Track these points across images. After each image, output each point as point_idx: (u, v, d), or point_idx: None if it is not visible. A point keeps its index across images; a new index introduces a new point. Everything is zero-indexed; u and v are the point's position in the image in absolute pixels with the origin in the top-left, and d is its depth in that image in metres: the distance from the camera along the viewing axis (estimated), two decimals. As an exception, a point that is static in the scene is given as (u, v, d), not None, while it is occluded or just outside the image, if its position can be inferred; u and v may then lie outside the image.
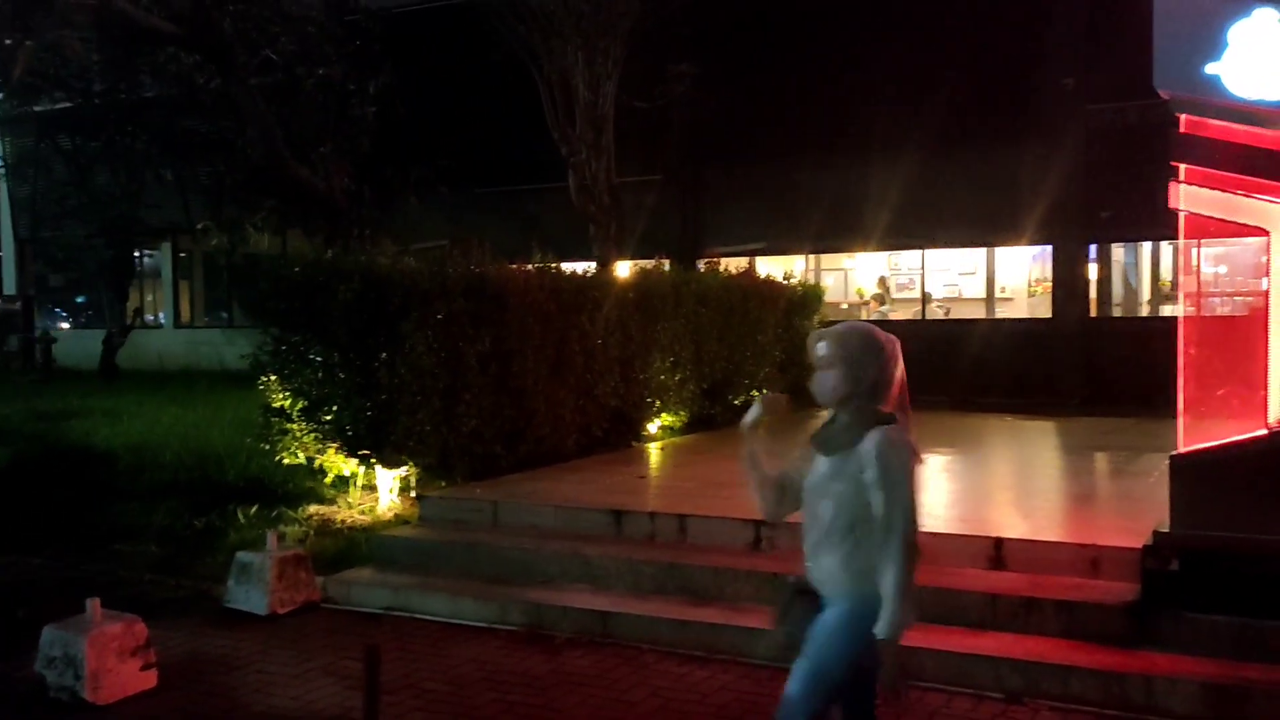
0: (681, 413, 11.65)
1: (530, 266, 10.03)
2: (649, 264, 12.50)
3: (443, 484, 8.69)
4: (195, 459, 10.03)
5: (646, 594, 6.60)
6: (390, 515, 8.40)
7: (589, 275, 11.21)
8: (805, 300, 14.29)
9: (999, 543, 6.28)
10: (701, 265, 13.87)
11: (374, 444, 8.40)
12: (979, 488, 8.63)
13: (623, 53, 13.92)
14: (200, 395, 15.30)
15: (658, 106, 14.75)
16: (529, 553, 7.21)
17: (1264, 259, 6.48)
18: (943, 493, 7.91)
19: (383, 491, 8.68)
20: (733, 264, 14.21)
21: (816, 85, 16.16)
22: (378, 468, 8.62)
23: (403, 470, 8.66)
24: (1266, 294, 5.52)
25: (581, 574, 6.92)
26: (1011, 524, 6.87)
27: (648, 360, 10.89)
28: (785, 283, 14.00)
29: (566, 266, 10.50)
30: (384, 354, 8.26)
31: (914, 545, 3.29)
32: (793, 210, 16.73)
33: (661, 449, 10.74)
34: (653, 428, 11.31)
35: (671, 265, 12.72)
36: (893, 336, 3.62)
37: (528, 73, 14.43)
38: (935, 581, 6.04)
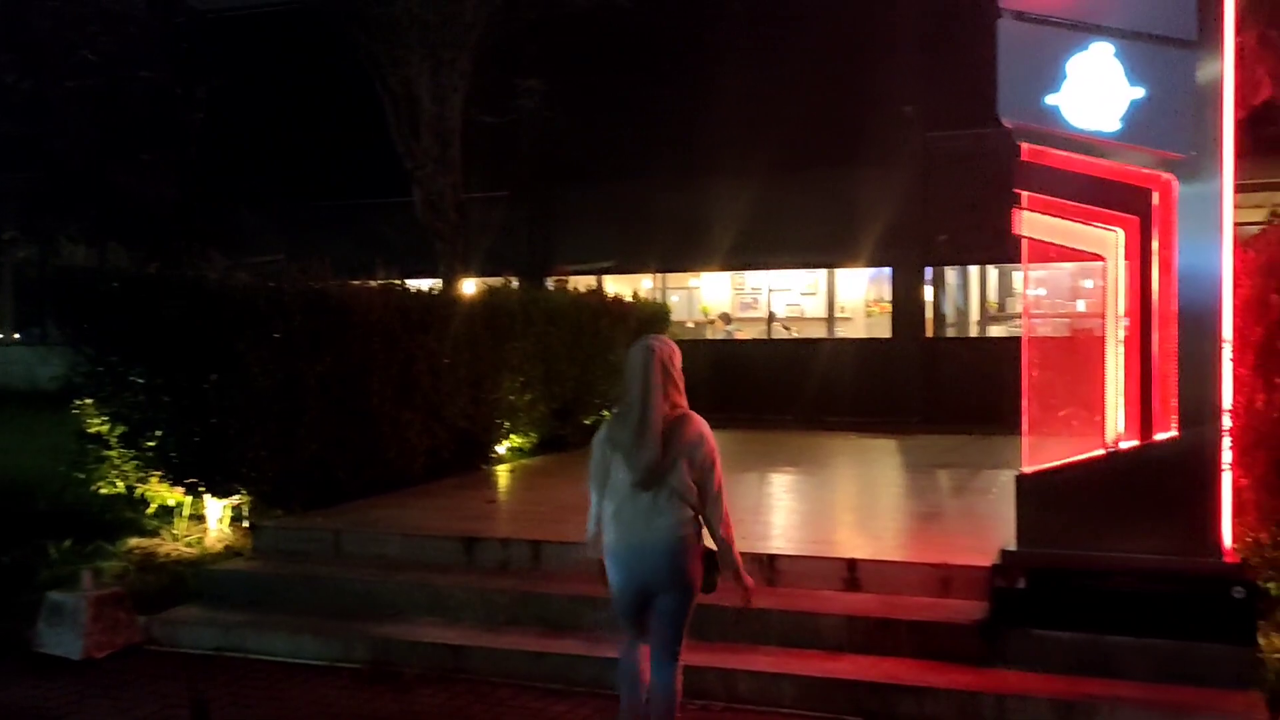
0: (532, 434, 11.43)
1: (374, 283, 9.67)
2: (497, 282, 12.26)
3: (279, 513, 8.23)
4: (1, 488, 9.25)
5: (500, 626, 6.37)
6: (221, 547, 7.90)
7: (435, 293, 10.90)
8: (654, 319, 14.27)
9: (853, 564, 6.31)
10: (550, 283, 13.70)
11: (203, 471, 7.91)
12: (829, 508, 8.71)
13: (470, 65, 13.67)
14: (9, 418, 14.22)
15: (507, 122, 14.55)
16: (374, 584, 6.88)
17: (1083, 284, 6.72)
18: (794, 514, 7.95)
19: (212, 522, 8.17)
20: (581, 282, 14.10)
21: (665, 106, 16.26)
22: (207, 497, 8.11)
23: (235, 499, 8.17)
24: (1104, 316, 5.70)
25: (431, 606, 6.63)
26: (864, 545, 6.92)
27: (497, 380, 10.64)
28: (634, 301, 13.96)
29: (412, 284, 10.16)
30: (214, 375, 7.79)
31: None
32: (641, 229, 16.77)
33: (512, 471, 10.49)
34: (502, 450, 11.06)
35: (520, 283, 12.51)
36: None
37: (371, 82, 14.01)
38: (792, 605, 6.06)
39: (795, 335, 17.52)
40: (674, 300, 17.93)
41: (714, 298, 18.84)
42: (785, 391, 15.54)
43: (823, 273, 17.66)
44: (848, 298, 18.17)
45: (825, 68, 15.49)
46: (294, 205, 16.55)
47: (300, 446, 8.30)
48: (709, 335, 18.02)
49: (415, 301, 9.83)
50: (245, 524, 8.12)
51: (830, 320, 17.82)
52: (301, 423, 8.30)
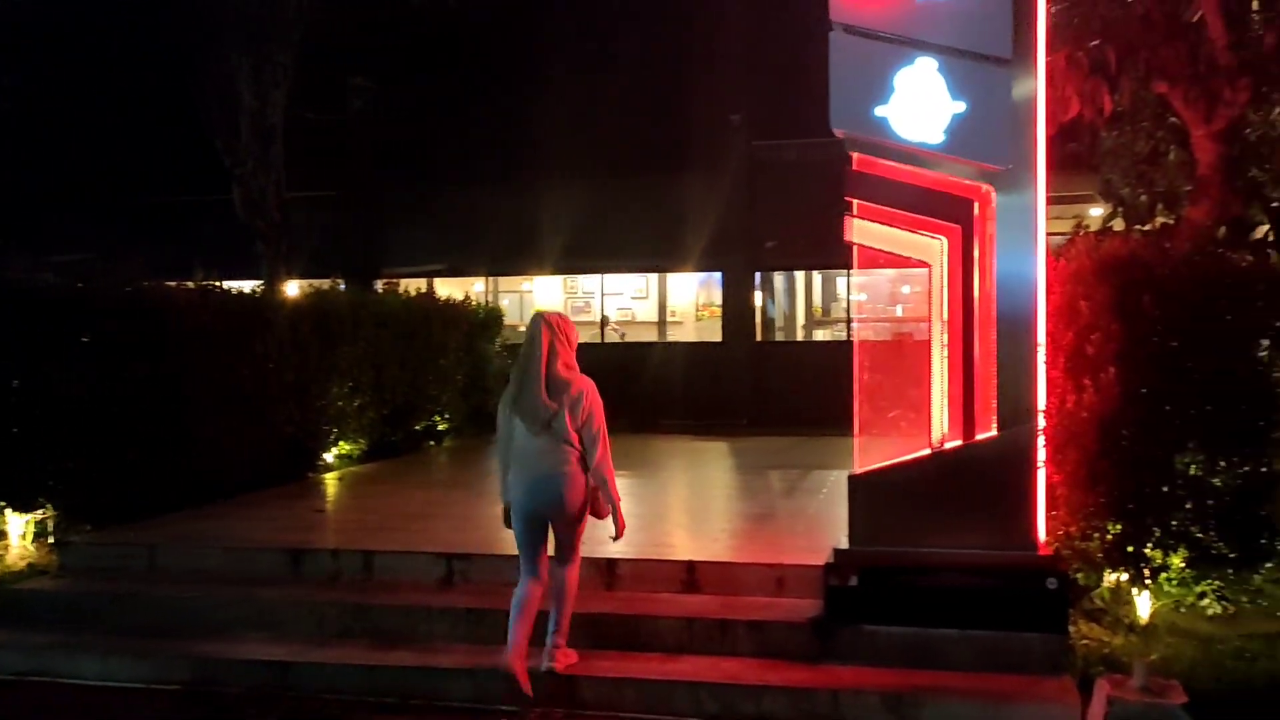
0: (361, 440, 11.10)
1: (192, 285, 9.20)
2: (324, 284, 11.86)
3: (89, 528, 7.73)
4: None
5: (330, 640, 6.13)
6: (23, 565, 7.37)
7: (259, 295, 10.46)
8: (487, 322, 14.11)
9: (691, 566, 6.35)
10: (380, 286, 13.36)
11: (2, 485, 7.34)
12: (666, 511, 8.77)
13: (294, 62, 13.19)
14: None
15: (334, 120, 14.12)
16: (194, 601, 6.53)
17: (902, 289, 6.97)
18: (631, 517, 7.92)
19: (13, 538, 7.61)
20: (413, 285, 13.81)
21: (497, 109, 16.10)
22: (6, 511, 7.54)
23: (39, 514, 7.63)
24: (929, 320, 5.92)
25: (257, 622, 6.33)
26: (701, 547, 6.98)
27: (325, 386, 10.29)
28: (467, 305, 13.75)
29: (234, 286, 9.72)
30: (15, 382, 7.26)
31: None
32: (473, 232, 16.57)
33: (341, 479, 10.16)
34: (331, 457, 10.69)
35: (349, 286, 12.14)
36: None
37: (191, 75, 13.35)
38: (632, 609, 6.05)
39: (627, 339, 17.63)
40: (506, 303, 17.78)
41: (546, 301, 18.77)
42: (617, 395, 15.50)
43: (654, 277, 17.84)
44: (679, 302, 18.40)
45: (656, 75, 15.66)
46: (107, 202, 15.62)
47: (112, 456, 7.82)
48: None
49: (237, 304, 9.41)
50: (51, 540, 7.58)
51: (662, 324, 18.01)
52: (114, 431, 7.82)
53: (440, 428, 12.66)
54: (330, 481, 10.06)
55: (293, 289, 12.67)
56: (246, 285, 11.32)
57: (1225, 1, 7.71)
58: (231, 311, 9.16)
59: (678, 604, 6.11)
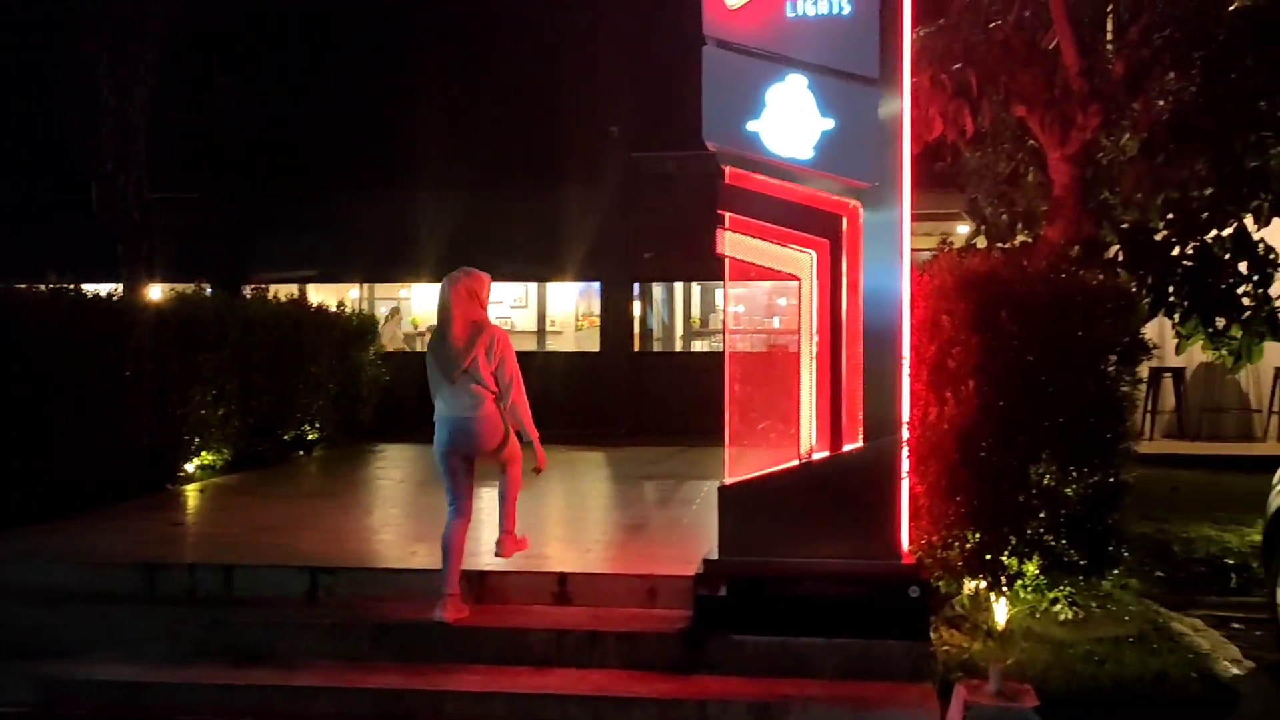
0: (225, 450, 10.74)
1: (44, 288, 8.77)
2: (189, 289, 11.46)
3: (-76, 543, 7.28)
4: None
5: (186, 658, 5.90)
6: None
7: (116, 299, 10.04)
8: (360, 330, 13.83)
9: (563, 577, 6.32)
10: (249, 291, 12.96)
11: None
12: (540, 521, 8.69)
13: (157, 58, 12.71)
14: None
15: (202, 120, 13.66)
16: (40, 619, 6.21)
17: (779, 301, 7.09)
18: (505, 528, 7.88)
19: None
20: (284, 291, 13.44)
21: (373, 113, 15.81)
22: None
23: None
24: (799, 333, 6.01)
25: (108, 640, 6.05)
26: (574, 558, 6.96)
27: (186, 394, 9.92)
28: (340, 312, 13.46)
29: (90, 289, 9.30)
30: None
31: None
32: (348, 238, 16.23)
33: (202, 491, 9.80)
34: (192, 468, 10.31)
35: (215, 291, 11.75)
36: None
37: (38, 67, 12.75)
38: (502, 622, 5.99)
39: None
40: (383, 311, 17.46)
41: (424, 309, 18.49)
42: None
43: (534, 286, 17.74)
44: (558, 311, 18.33)
45: (536, 85, 15.60)
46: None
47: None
48: (419, 348, 17.66)
49: (93, 308, 9.02)
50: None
51: (540, 333, 17.92)
52: (-48, 442, 7.40)
53: (310, 437, 12.35)
54: (191, 493, 9.70)
55: (155, 293, 12.20)
56: (105, 289, 10.86)
57: (1078, 31, 8.07)
58: (86, 315, 8.78)
59: (549, 616, 6.07)
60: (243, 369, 10.79)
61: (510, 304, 18.09)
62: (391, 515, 8.94)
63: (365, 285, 17.64)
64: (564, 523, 8.81)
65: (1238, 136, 7.81)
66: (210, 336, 10.28)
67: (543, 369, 16.03)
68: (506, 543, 6.28)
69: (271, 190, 16.27)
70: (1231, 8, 8.18)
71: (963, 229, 11.27)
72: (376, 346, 14.25)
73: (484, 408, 6.04)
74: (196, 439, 10.25)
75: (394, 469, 11.70)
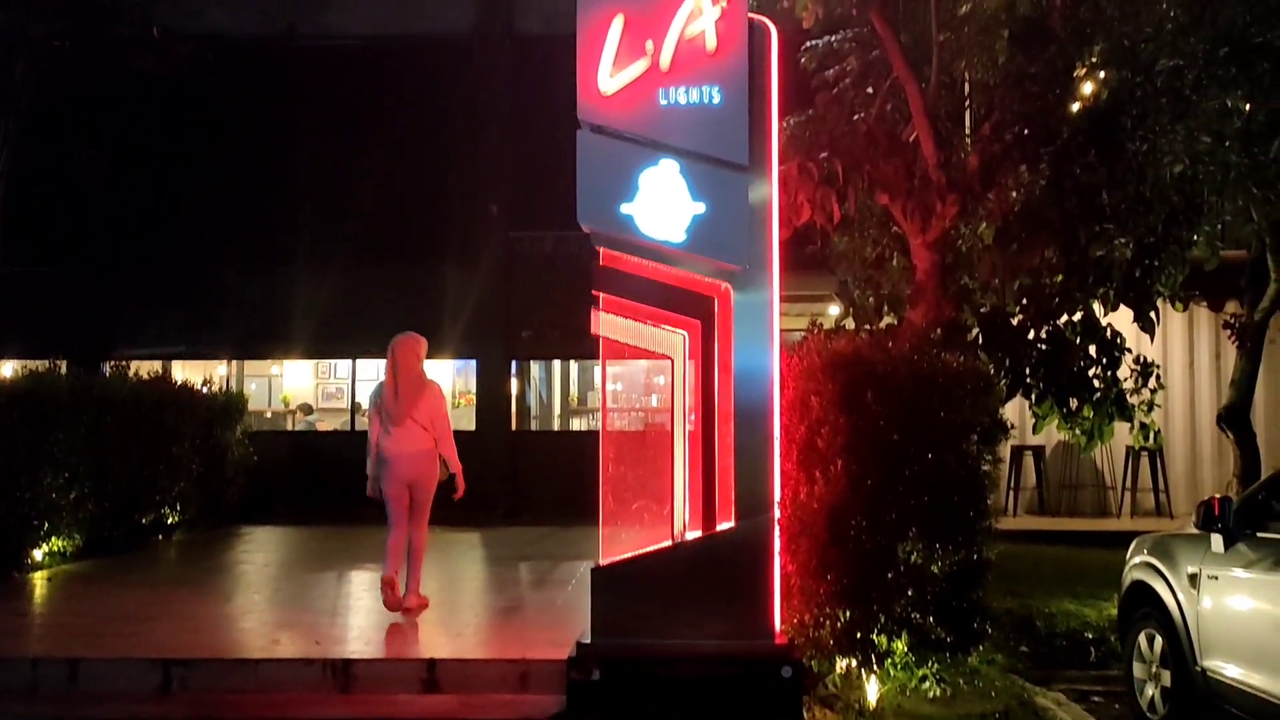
0: (77, 535, 10.19)
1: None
2: (42, 365, 10.96)
3: None
4: None
5: (23, 761, 5.52)
6: None
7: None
8: (227, 409, 13.39)
9: (432, 664, 6.14)
10: (109, 368, 12.46)
11: None
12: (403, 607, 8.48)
13: (17, 128, 12.30)
14: None
15: (62, 192, 13.21)
16: None
17: (657, 379, 7.13)
18: (374, 614, 7.64)
19: None
20: (147, 368, 12.97)
21: (244, 186, 15.53)
22: None
23: None
24: (672, 413, 6.05)
25: (-66, 744, 5.63)
26: (444, 643, 6.77)
27: (35, 475, 9.43)
28: (205, 390, 13.02)
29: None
30: None
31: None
32: (216, 313, 15.76)
33: (51, 579, 9.27)
34: (40, 554, 9.76)
35: (72, 368, 11.26)
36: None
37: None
38: (367, 712, 5.77)
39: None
40: (253, 388, 16.97)
41: (296, 386, 18.06)
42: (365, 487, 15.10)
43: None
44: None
45: (413, 162, 15.57)
46: None
47: None
48: (289, 426, 17.20)
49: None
50: None
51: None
52: None
53: (170, 520, 11.83)
54: (39, 581, 9.17)
55: (6, 370, 11.64)
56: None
57: (936, 126, 8.48)
58: (-73, 394, 8.30)
59: (415, 705, 5.88)
60: (98, 449, 10.32)
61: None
62: (254, 602, 8.59)
63: (235, 362, 17.13)
64: (436, 606, 8.57)
65: (1082, 228, 8.27)
66: (63, 415, 9.82)
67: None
68: (412, 599, 7.44)
69: (136, 263, 15.75)
70: (1074, 108, 8.72)
71: (834, 310, 11.59)
72: (244, 425, 13.81)
73: (423, 446, 7.40)
74: (46, 523, 9.72)
75: (259, 552, 11.28)
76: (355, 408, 16.89)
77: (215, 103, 15.06)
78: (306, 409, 17.27)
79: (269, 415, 17.30)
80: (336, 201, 15.33)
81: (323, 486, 14.52)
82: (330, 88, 15.56)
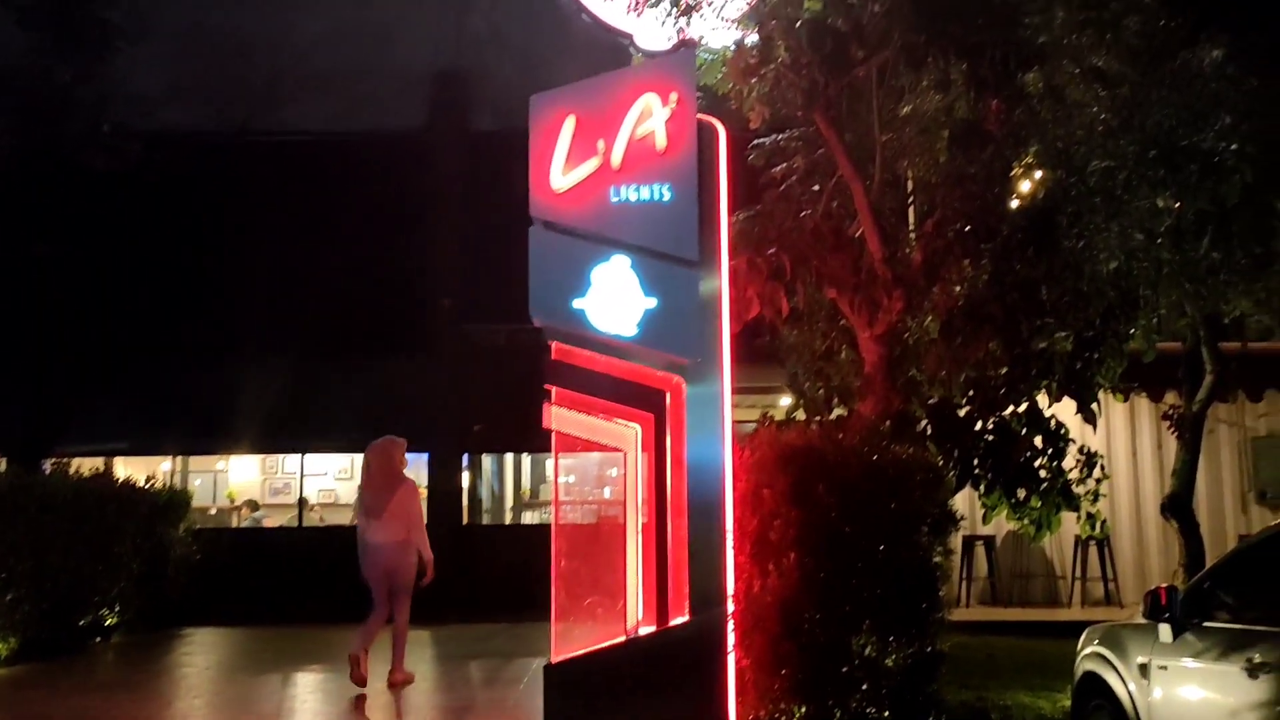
0: (12, 639, 9.87)
1: None
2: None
3: None
4: None
5: None
6: None
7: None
8: (170, 506, 13.13)
9: (380, 769, 5.99)
10: (49, 466, 12.21)
11: None
12: (359, 708, 8.27)
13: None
14: None
15: (4, 286, 13.06)
16: None
17: (610, 472, 7.15)
18: (319, 716, 7.47)
19: None
20: (88, 464, 12.73)
21: (194, 282, 15.47)
22: None
23: None
24: (624, 506, 6.05)
25: None
26: (392, 746, 6.61)
27: (-30, 577, 9.17)
28: (148, 487, 12.78)
29: None
30: None
31: None
32: (161, 408, 15.53)
33: (-19, 685, 8.95)
34: (-30, 659, 9.44)
35: (11, 465, 11.03)
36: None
37: None
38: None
39: (326, 521, 16.85)
40: (198, 484, 16.68)
41: (242, 481, 17.76)
42: (316, 582, 14.79)
43: (360, 457, 17.29)
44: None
45: (367, 255, 15.63)
46: None
47: None
48: (235, 523, 16.86)
49: None
50: None
51: (367, 506, 17.36)
52: None
53: (109, 622, 11.49)
54: (-32, 688, 8.85)
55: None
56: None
57: (881, 222, 8.70)
58: None
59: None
60: (37, 550, 10.06)
61: (335, 475, 17.58)
62: (194, 706, 8.34)
63: (179, 458, 16.85)
64: (383, 707, 8.39)
65: (1023, 321, 8.47)
66: (1, 515, 9.59)
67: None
68: (396, 675, 8.23)
69: (78, 358, 15.53)
70: (1013, 206, 9.01)
71: (786, 401, 11.69)
72: (188, 522, 13.54)
73: (397, 538, 8.20)
74: (-22, 627, 9.42)
75: (201, 654, 10.98)
76: (303, 504, 16.65)
77: (165, 197, 15.08)
78: (252, 505, 16.97)
79: (214, 512, 16.96)
80: (288, 295, 15.30)
81: (269, 585, 14.21)
82: (283, 183, 15.65)
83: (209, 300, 15.38)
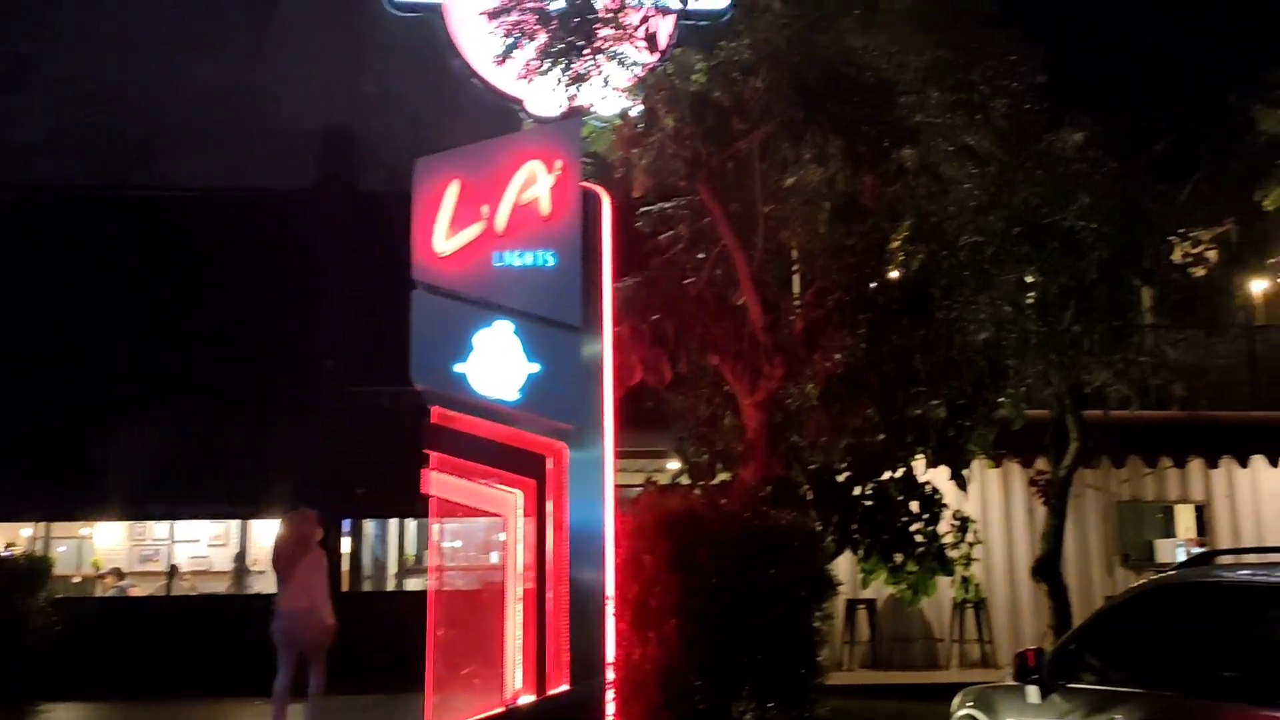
0: None
1: None
2: None
3: None
4: None
5: None
6: None
7: None
8: (29, 574, 12.46)
9: None
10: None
11: None
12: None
13: None
14: None
15: None
16: None
17: (497, 537, 7.08)
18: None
19: None
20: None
21: (63, 339, 14.89)
22: None
23: None
24: (504, 573, 5.98)
25: None
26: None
27: None
28: (7, 554, 12.13)
29: None
30: None
31: None
32: (22, 471, 14.80)
33: None
34: None
35: None
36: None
37: None
38: None
39: (199, 590, 16.22)
40: (61, 550, 15.90)
41: (108, 547, 17.00)
42: (187, 653, 14.18)
43: (235, 524, 16.76)
44: (264, 548, 17.30)
45: (248, 315, 15.28)
46: None
47: None
48: (99, 592, 16.09)
49: None
50: None
51: (241, 573, 16.80)
52: None
53: (-46, 702, 10.81)
54: None
55: None
56: None
57: (763, 291, 8.89)
58: None
59: None
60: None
61: (208, 542, 16.97)
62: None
63: (42, 524, 16.05)
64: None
65: (899, 390, 8.72)
66: None
67: (242, 612, 14.95)
68: None
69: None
70: (893, 275, 9.30)
71: (673, 465, 11.74)
72: (48, 591, 12.87)
73: (302, 605, 8.53)
74: None
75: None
76: (173, 572, 16.04)
77: (36, 250, 14.57)
78: (118, 574, 16.22)
79: (77, 580, 16.17)
80: (165, 355, 14.85)
81: (136, 658, 13.55)
82: (163, 239, 15.26)
83: (79, 358, 14.82)
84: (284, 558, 8.76)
